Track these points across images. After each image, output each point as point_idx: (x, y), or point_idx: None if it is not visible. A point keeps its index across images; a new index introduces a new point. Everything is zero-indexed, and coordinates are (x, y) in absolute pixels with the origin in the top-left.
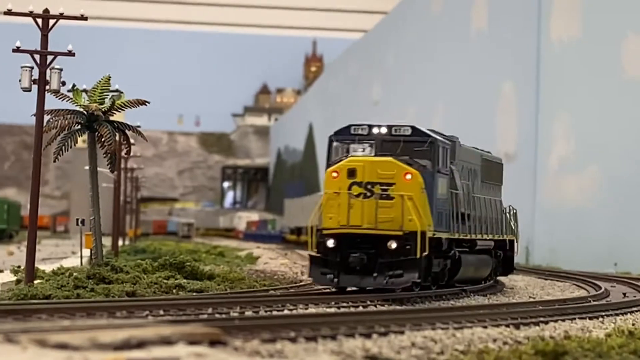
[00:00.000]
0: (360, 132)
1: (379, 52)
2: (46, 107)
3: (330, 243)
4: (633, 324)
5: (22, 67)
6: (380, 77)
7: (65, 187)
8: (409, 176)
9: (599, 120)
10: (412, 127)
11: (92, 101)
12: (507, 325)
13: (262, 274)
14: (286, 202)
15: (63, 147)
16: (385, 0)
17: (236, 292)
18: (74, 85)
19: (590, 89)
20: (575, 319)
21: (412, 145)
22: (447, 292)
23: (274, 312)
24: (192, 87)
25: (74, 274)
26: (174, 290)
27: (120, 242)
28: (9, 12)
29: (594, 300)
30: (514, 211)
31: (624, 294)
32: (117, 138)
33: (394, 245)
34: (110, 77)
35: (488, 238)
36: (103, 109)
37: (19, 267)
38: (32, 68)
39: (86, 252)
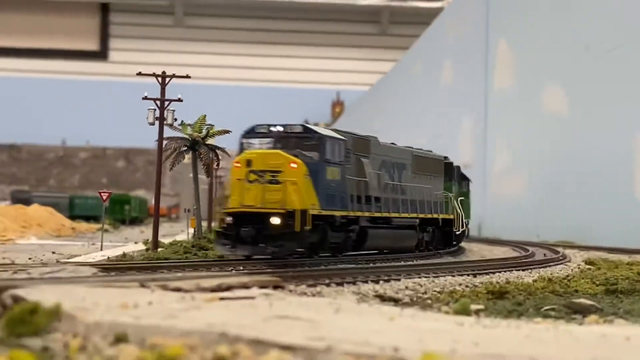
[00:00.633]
0: (262, 131)
1: (380, 99)
2: (164, 136)
3: (229, 220)
4: (551, 274)
5: (148, 109)
6: (381, 116)
7: (176, 188)
8: (293, 165)
9: (526, 141)
10: (303, 126)
11: (194, 131)
12: (468, 275)
13: None
14: None
15: (175, 162)
16: (385, 64)
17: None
18: (182, 121)
19: (520, 121)
20: (512, 270)
21: (304, 140)
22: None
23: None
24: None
25: (184, 244)
26: None
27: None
28: (139, 74)
29: (524, 259)
30: (463, 198)
31: (544, 255)
32: (210, 155)
33: (276, 220)
34: (205, 115)
35: (410, 216)
36: (201, 136)
37: (147, 240)
38: (155, 109)
39: (191, 231)
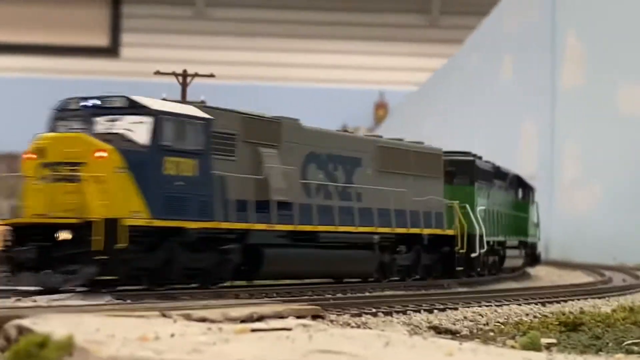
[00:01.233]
0: (72, 107)
1: (430, 99)
2: None
3: (8, 236)
4: (632, 302)
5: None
6: (431, 118)
7: None
8: (100, 154)
9: (600, 149)
10: (128, 98)
11: None
12: (536, 303)
13: None
14: None
15: None
16: (435, 60)
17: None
18: None
19: (593, 125)
20: (587, 298)
21: (129, 118)
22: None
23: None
24: None
25: None
26: None
27: None
28: (157, 73)
29: (601, 284)
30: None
31: (624, 280)
32: None
33: (66, 236)
34: None
35: (361, 230)
36: None
37: None
38: None
39: None
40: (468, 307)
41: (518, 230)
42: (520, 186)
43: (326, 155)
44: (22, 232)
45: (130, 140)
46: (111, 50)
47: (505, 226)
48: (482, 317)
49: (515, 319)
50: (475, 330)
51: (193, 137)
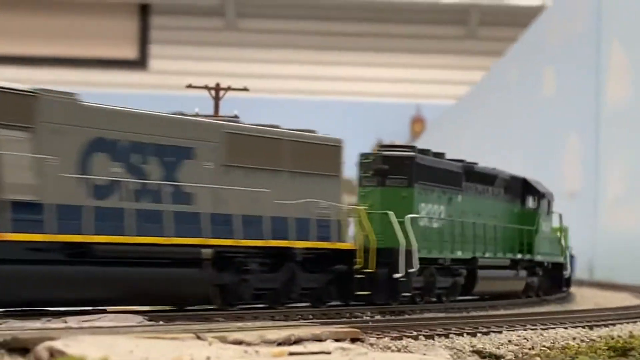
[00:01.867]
0: None
1: (469, 113)
2: None
3: None
4: None
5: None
6: (470, 133)
7: None
8: None
9: None
10: None
11: None
12: (583, 327)
13: None
14: None
15: None
16: (474, 72)
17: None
18: None
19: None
20: (637, 321)
21: None
22: None
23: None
24: None
25: None
26: None
27: None
28: (189, 86)
29: None
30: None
31: None
32: None
33: None
34: None
35: (181, 243)
36: None
37: None
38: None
39: None
40: (512, 330)
41: (515, 247)
42: (526, 193)
43: (129, 143)
44: None
45: None
46: (139, 63)
47: (487, 241)
48: (527, 341)
49: (562, 343)
50: (520, 355)
51: None
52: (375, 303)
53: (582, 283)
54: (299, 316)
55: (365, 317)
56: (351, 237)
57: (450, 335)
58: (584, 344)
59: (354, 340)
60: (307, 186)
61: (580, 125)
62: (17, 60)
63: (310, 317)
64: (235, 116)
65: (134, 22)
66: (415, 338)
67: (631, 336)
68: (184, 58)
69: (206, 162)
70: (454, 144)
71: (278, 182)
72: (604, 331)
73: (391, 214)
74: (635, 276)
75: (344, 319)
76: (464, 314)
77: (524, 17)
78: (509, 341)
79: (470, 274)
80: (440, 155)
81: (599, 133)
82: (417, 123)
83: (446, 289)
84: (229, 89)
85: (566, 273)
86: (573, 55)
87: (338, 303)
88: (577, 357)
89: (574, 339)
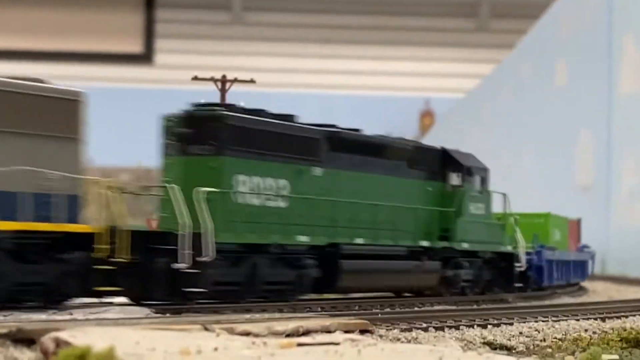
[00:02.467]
0: None
1: (478, 107)
2: None
3: None
4: None
5: None
6: (480, 127)
7: None
8: None
9: None
10: None
11: None
12: (595, 319)
13: None
14: None
15: None
16: (484, 65)
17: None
18: None
19: None
20: None
21: None
22: None
23: (407, 309)
24: None
25: None
26: None
27: None
28: (195, 78)
29: None
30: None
31: None
32: None
33: None
34: None
35: None
36: None
37: None
38: None
39: None
40: (524, 322)
41: (421, 232)
42: (447, 167)
43: None
44: None
45: None
46: (145, 57)
47: (361, 224)
48: (539, 332)
49: (574, 334)
50: (531, 347)
51: None
52: (155, 300)
53: (594, 277)
54: (307, 308)
55: (374, 310)
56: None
57: (461, 327)
58: (596, 335)
59: (363, 331)
60: (21, 150)
61: (592, 118)
62: (22, 55)
63: (319, 309)
64: (243, 107)
65: (139, 16)
66: (425, 330)
67: None
68: (190, 52)
69: None
70: (464, 137)
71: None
72: (616, 323)
73: (172, 187)
74: None
75: (354, 311)
76: (475, 306)
77: (535, 9)
78: (520, 333)
79: (330, 265)
80: (287, 117)
81: (611, 126)
82: (427, 117)
83: (285, 283)
84: (235, 80)
85: (520, 266)
86: (585, 47)
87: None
88: (589, 348)
89: (586, 330)
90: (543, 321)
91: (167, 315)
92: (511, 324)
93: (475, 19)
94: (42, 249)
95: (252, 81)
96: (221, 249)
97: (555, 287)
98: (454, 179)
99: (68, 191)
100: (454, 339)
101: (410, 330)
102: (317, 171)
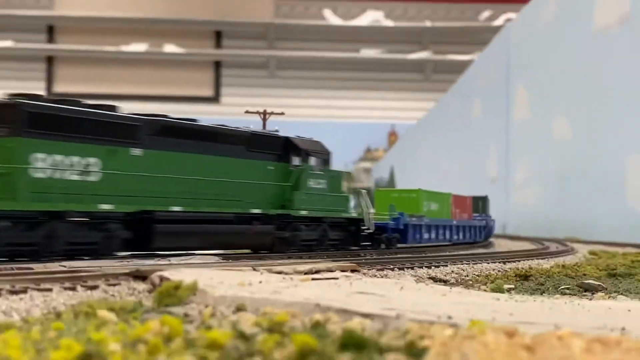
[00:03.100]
0: None
1: (425, 130)
2: None
3: None
4: (563, 261)
5: None
6: (427, 143)
7: None
8: None
9: (539, 161)
10: None
11: None
12: (499, 262)
13: None
14: None
15: None
16: (428, 103)
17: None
18: None
19: (535, 146)
20: (533, 259)
21: None
22: None
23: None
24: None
25: None
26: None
27: None
28: (247, 112)
29: (542, 250)
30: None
31: (557, 247)
32: None
33: None
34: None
35: None
36: None
37: None
38: None
39: None
40: (454, 264)
41: (255, 201)
42: (290, 152)
43: None
44: None
45: None
46: (215, 99)
47: (181, 195)
48: (464, 271)
49: (486, 272)
50: (459, 280)
51: None
52: None
53: (498, 236)
54: (325, 256)
55: (360, 257)
56: None
57: (415, 268)
58: (500, 273)
59: (353, 271)
60: None
61: (497, 137)
62: (133, 97)
63: (325, 257)
64: (277, 130)
65: (211, 73)
66: (392, 270)
67: (530, 268)
68: (243, 95)
69: None
70: (416, 150)
71: None
72: (513, 265)
73: None
74: (530, 232)
75: (347, 259)
76: (423, 255)
77: (461, 67)
78: (452, 271)
79: (145, 229)
80: (108, 107)
81: (509, 141)
82: (392, 136)
83: (90, 243)
84: (271, 113)
85: (367, 228)
86: (492, 91)
87: None
88: (495, 281)
89: (494, 270)
90: (466, 264)
91: (230, 261)
92: (447, 266)
93: (423, 74)
94: None
95: (282, 114)
96: (15, 216)
97: (435, 244)
98: (295, 160)
99: None
100: (410, 275)
101: (383, 270)
102: (137, 152)
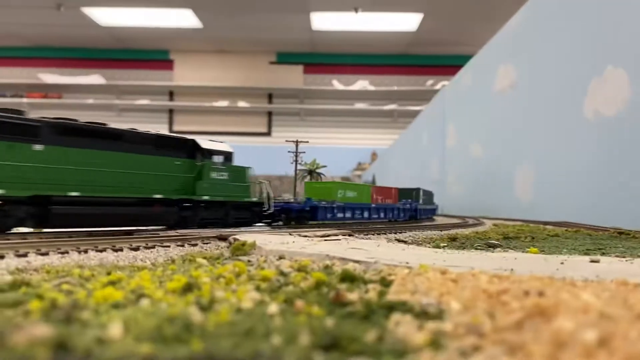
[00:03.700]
0: None
1: (394, 152)
2: (298, 168)
3: None
4: (476, 230)
5: (289, 153)
6: (395, 161)
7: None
8: None
9: (462, 171)
10: None
11: (310, 166)
12: (438, 230)
13: None
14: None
15: (301, 180)
16: (397, 135)
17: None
18: (305, 162)
19: (459, 162)
20: (458, 228)
21: None
22: None
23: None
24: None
25: None
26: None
27: None
28: (287, 141)
29: (464, 223)
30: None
31: (473, 221)
32: (318, 177)
33: None
34: (315, 159)
35: None
36: (313, 168)
37: None
38: (293, 157)
39: None
40: (411, 232)
41: (161, 190)
42: (196, 151)
43: None
44: None
45: None
46: (267, 133)
47: (81, 183)
48: (417, 236)
49: (430, 236)
50: (414, 241)
51: None
52: None
53: (439, 215)
54: (336, 227)
55: (354, 228)
56: None
57: (387, 233)
58: (438, 236)
59: (349, 235)
60: None
61: (437, 155)
62: (220, 133)
63: (333, 227)
64: (304, 152)
65: (266, 118)
66: (373, 234)
67: (457, 233)
68: (286, 131)
69: None
70: (389, 165)
71: None
72: (446, 232)
73: None
74: (458, 212)
75: (346, 228)
76: (393, 226)
77: (414, 114)
78: (409, 236)
79: (44, 211)
80: (13, 111)
81: (444, 158)
82: (374, 155)
83: None
84: (301, 141)
85: (268, 209)
86: (434, 125)
87: None
88: (435, 242)
89: (435, 235)
90: (418, 231)
91: (276, 229)
92: (406, 232)
93: (392, 118)
94: None
95: (307, 142)
96: None
97: (350, 222)
98: (200, 158)
99: None
100: (384, 238)
101: (367, 234)
102: (38, 147)
